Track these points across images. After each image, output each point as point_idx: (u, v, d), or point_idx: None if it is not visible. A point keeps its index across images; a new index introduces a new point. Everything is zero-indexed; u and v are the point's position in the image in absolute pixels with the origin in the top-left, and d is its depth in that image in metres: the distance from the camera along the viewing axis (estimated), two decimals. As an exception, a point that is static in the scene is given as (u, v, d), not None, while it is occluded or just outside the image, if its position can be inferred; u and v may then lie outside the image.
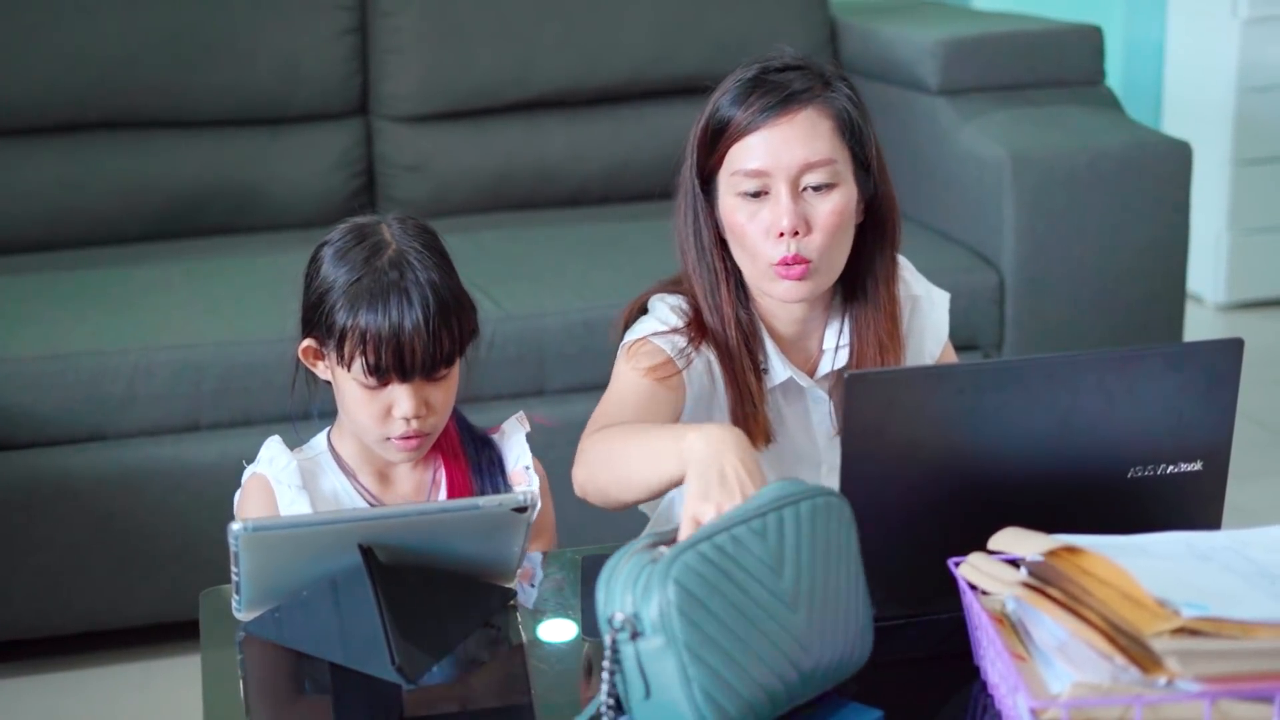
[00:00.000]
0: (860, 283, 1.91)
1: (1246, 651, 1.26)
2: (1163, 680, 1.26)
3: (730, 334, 1.87)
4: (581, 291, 3.08)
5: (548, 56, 3.64)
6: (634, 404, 1.82)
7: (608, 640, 1.31)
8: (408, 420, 1.78)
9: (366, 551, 1.49)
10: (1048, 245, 3.27)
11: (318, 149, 3.59)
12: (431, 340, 1.75)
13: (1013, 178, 3.23)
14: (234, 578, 1.50)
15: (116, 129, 3.49)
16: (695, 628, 1.29)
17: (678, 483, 1.57)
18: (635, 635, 1.30)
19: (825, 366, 1.93)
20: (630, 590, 1.31)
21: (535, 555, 1.79)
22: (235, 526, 1.45)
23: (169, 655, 2.92)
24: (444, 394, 1.81)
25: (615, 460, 1.68)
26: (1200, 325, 4.56)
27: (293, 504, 1.82)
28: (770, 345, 1.90)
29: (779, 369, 1.90)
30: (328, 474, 1.87)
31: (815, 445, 1.94)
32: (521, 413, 1.97)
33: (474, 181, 3.66)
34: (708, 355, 1.87)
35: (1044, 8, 4.69)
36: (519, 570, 1.63)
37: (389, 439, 1.80)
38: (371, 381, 1.77)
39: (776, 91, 1.81)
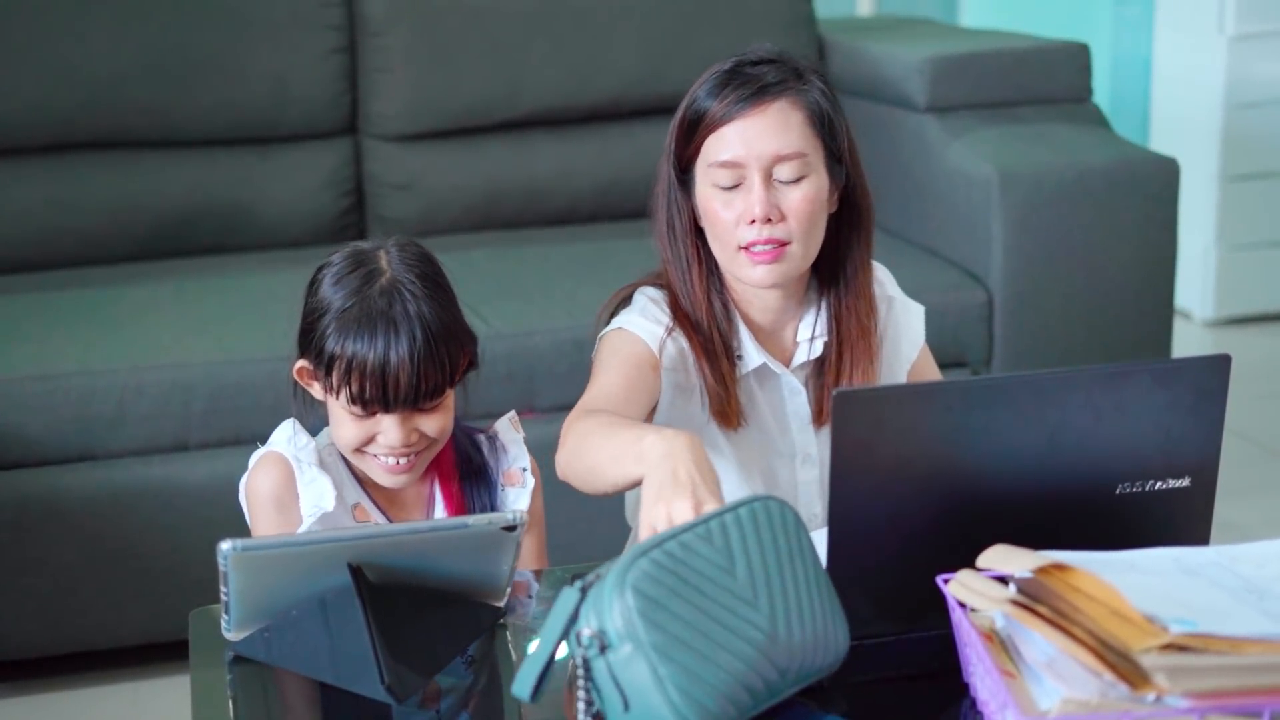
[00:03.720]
0: (839, 270, 1.97)
1: (1235, 667, 1.26)
2: (1151, 696, 1.26)
3: (702, 317, 1.93)
4: (570, 310, 3.09)
5: (536, 75, 3.64)
6: (618, 386, 1.87)
7: (578, 658, 1.32)
8: (393, 448, 1.79)
9: (356, 571, 1.49)
10: (1036, 262, 3.27)
11: (307, 168, 3.60)
12: (416, 374, 1.77)
13: (1001, 195, 3.24)
14: (223, 597, 1.50)
15: (105, 149, 3.49)
16: (659, 628, 1.30)
17: (639, 482, 1.61)
18: (604, 648, 1.30)
19: (801, 357, 1.97)
20: (592, 608, 1.32)
21: (527, 573, 1.80)
22: (224, 546, 1.44)
23: (158, 675, 2.92)
24: (437, 421, 1.82)
25: (587, 453, 1.72)
26: (1188, 341, 4.57)
27: (313, 482, 1.83)
28: (745, 332, 1.96)
29: (753, 354, 1.95)
30: (339, 462, 1.89)
31: (789, 434, 1.99)
32: (514, 413, 1.98)
33: (463, 200, 3.66)
34: (683, 343, 1.92)
35: (1031, 25, 4.70)
36: (508, 590, 1.62)
37: (373, 458, 1.82)
38: (357, 410, 1.78)
39: (750, 84, 1.88)
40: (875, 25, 4.31)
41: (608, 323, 1.97)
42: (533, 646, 1.35)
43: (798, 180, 1.86)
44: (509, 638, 1.62)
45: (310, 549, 1.50)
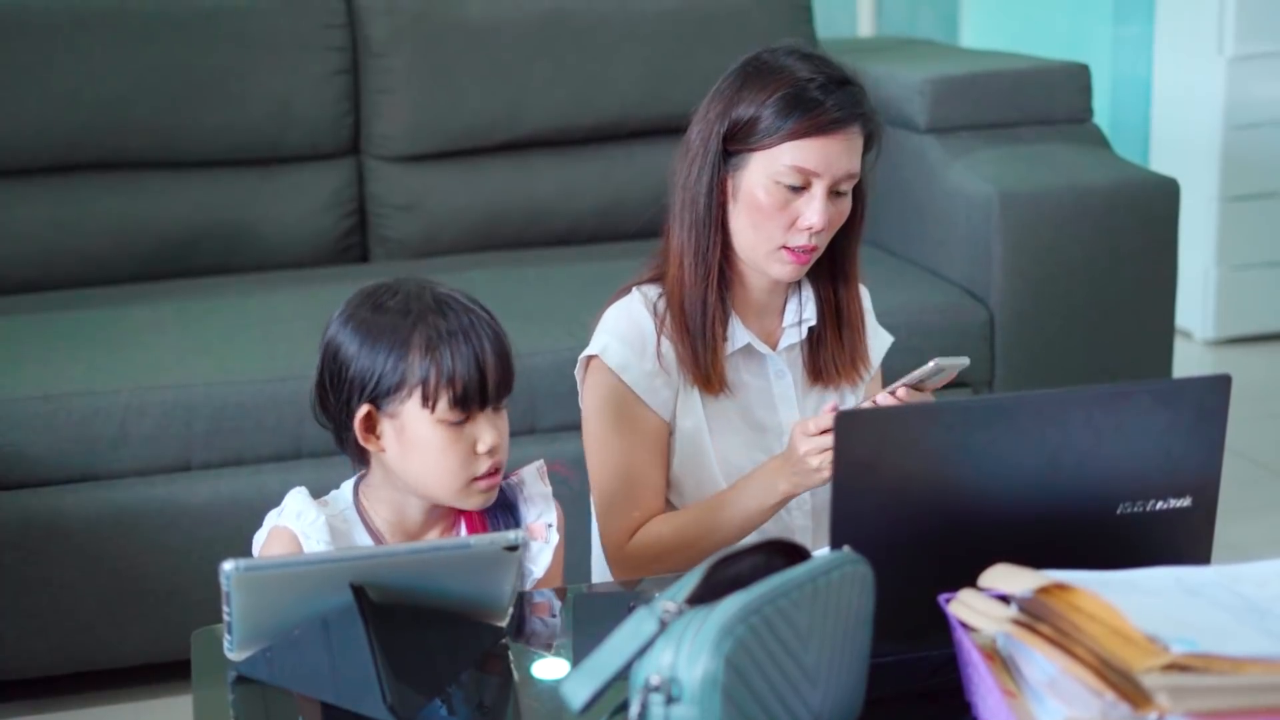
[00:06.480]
0: (846, 263, 2.09)
1: (1236, 687, 1.26)
2: (1153, 716, 1.26)
3: (710, 288, 2.02)
4: (572, 330, 3.09)
5: (538, 96, 3.65)
6: (641, 463, 2.04)
7: (637, 700, 1.27)
8: (492, 453, 1.78)
9: (358, 591, 1.49)
10: (1036, 282, 3.28)
11: (309, 189, 3.60)
12: (500, 364, 1.78)
13: (1001, 215, 3.24)
14: (226, 617, 1.50)
15: (108, 170, 3.49)
16: (732, 704, 1.26)
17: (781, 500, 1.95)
18: (670, 700, 1.26)
19: (790, 339, 2.08)
20: (673, 648, 1.27)
21: (548, 592, 1.80)
22: (227, 565, 1.45)
23: (161, 695, 2.91)
24: (506, 424, 1.82)
25: (707, 537, 1.95)
26: (1189, 361, 4.57)
27: None
28: (734, 316, 2.06)
29: (739, 334, 2.05)
30: (356, 532, 1.84)
31: (777, 417, 2.09)
32: (542, 463, 1.94)
33: (465, 221, 3.67)
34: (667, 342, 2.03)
35: (1031, 46, 4.72)
36: (510, 610, 1.62)
37: (473, 482, 1.78)
38: (458, 416, 1.75)
39: (845, 106, 1.98)
40: (876, 46, 4.32)
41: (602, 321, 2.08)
42: (593, 657, 1.29)
43: (845, 195, 2.00)
44: (511, 658, 1.62)
45: (313, 569, 1.50)
